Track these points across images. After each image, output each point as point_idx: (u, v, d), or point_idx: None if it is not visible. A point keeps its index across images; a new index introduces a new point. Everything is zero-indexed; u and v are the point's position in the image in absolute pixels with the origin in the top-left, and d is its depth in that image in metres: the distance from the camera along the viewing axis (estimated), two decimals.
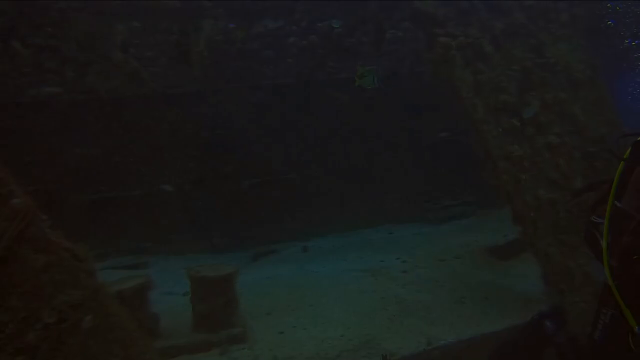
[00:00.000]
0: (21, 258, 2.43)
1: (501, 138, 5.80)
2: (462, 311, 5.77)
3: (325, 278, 7.11)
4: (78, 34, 8.53)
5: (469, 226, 9.26)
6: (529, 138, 5.89)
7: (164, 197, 9.19)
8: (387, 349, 4.93)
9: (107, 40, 8.75)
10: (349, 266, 7.61)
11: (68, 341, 2.48)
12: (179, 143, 9.35)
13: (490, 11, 6.47)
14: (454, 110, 6.84)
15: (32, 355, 2.35)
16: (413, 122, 10.16)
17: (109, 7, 8.69)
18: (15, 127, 8.22)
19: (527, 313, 5.27)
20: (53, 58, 8.41)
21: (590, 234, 2.63)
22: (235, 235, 9.31)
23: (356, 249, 8.61)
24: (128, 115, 8.98)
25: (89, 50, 8.61)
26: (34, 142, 8.39)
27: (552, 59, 6.39)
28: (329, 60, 9.75)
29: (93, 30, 8.61)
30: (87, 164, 8.78)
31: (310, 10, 9.77)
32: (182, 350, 4.92)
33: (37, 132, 8.39)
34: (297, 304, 6.17)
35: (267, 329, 5.46)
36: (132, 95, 8.92)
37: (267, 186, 9.63)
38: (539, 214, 5.51)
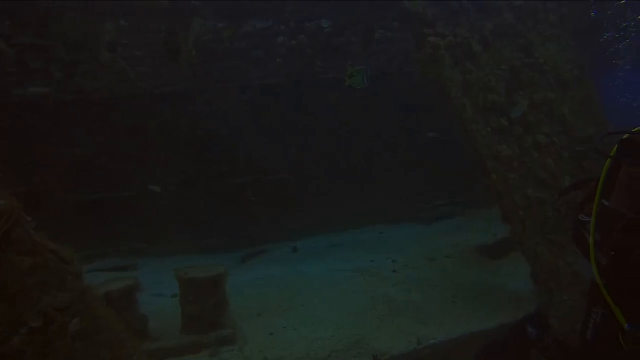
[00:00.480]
0: (5, 260, 2.38)
1: (490, 137, 5.83)
2: (452, 310, 5.79)
3: (315, 278, 7.10)
4: (66, 33, 8.44)
5: (459, 225, 9.30)
6: (517, 137, 5.93)
7: (153, 198, 9.13)
8: (377, 348, 4.93)
9: (95, 39, 8.67)
10: (339, 266, 7.61)
11: (54, 345, 2.44)
12: (167, 143, 9.29)
13: (479, 11, 6.49)
14: (446, 109, 6.86)
15: None
16: (405, 123, 10.20)
17: (98, 6, 8.62)
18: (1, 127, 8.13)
19: (517, 312, 5.32)
20: (40, 57, 8.31)
21: (578, 232, 2.64)
22: (225, 235, 9.27)
23: (346, 249, 8.61)
24: (116, 115, 8.90)
25: (77, 50, 8.52)
26: (21, 142, 8.30)
27: (541, 59, 6.44)
28: (317, 60, 9.75)
29: (81, 30, 8.53)
30: (75, 164, 8.69)
31: (300, 10, 9.76)
32: (171, 352, 4.87)
33: (25, 132, 8.30)
34: (287, 305, 6.16)
35: (257, 330, 5.43)
36: (121, 95, 8.85)
37: (258, 186, 9.61)
38: (528, 213, 5.55)
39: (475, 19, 6.47)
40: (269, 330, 5.45)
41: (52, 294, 2.49)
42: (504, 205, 5.62)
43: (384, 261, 7.60)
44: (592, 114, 6.44)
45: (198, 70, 9.25)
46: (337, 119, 9.92)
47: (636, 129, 2.39)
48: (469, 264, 7.24)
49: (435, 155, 10.12)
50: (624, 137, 2.39)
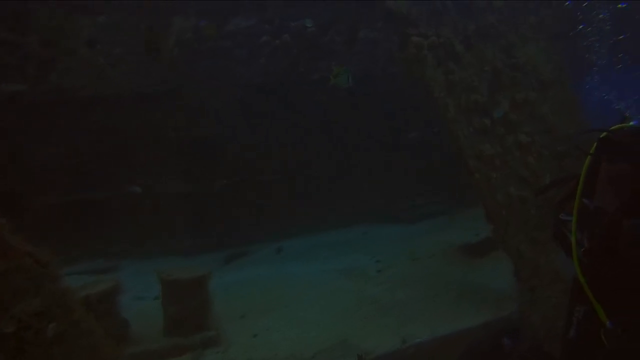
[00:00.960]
0: None
1: (472, 137, 5.86)
2: (436, 309, 5.81)
3: (300, 279, 7.07)
4: (44, 29, 8.28)
5: (443, 225, 9.34)
6: (499, 137, 5.96)
7: (135, 200, 8.99)
8: (362, 348, 4.92)
9: (77, 37, 8.53)
10: (323, 266, 7.59)
11: (30, 351, 2.37)
12: (151, 143, 9.16)
13: (462, 12, 6.51)
14: (430, 110, 6.87)
15: None
16: (390, 122, 10.21)
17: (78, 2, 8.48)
18: None
19: (500, 311, 5.37)
20: (17, 54, 8.14)
21: (560, 231, 2.64)
22: (208, 237, 9.18)
23: (331, 250, 8.59)
24: (96, 115, 8.75)
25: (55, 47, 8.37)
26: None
27: (522, 58, 6.49)
28: (302, 59, 9.71)
29: (61, 26, 8.38)
30: (54, 165, 8.53)
31: (283, 9, 9.71)
32: (153, 356, 4.80)
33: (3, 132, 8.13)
34: (271, 306, 6.12)
35: (242, 332, 5.39)
36: (101, 95, 8.71)
37: (241, 187, 9.53)
38: (510, 211, 5.58)
39: (458, 20, 6.49)
40: (254, 331, 5.41)
41: (27, 298, 2.42)
42: (487, 204, 5.65)
43: (368, 261, 7.60)
44: (573, 114, 6.50)
45: (182, 69, 9.14)
46: (324, 117, 9.89)
47: (614, 126, 2.41)
48: (452, 263, 7.28)
49: (419, 155, 10.15)
50: (602, 135, 2.41)
